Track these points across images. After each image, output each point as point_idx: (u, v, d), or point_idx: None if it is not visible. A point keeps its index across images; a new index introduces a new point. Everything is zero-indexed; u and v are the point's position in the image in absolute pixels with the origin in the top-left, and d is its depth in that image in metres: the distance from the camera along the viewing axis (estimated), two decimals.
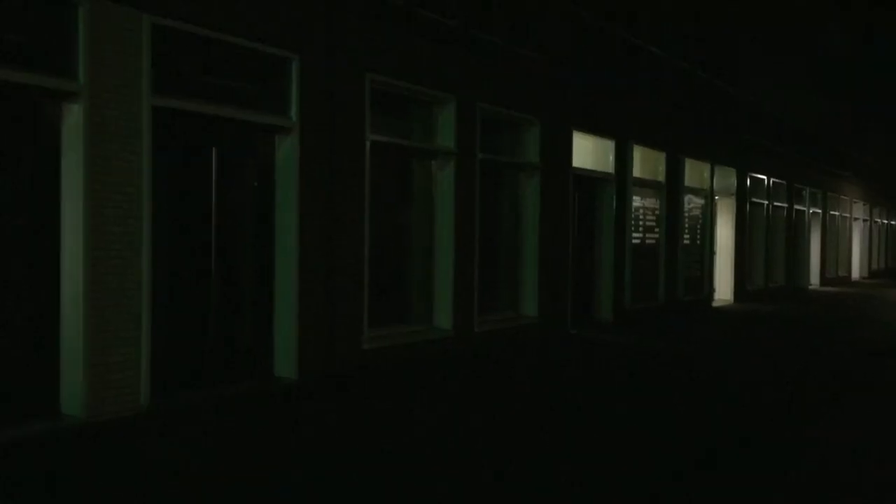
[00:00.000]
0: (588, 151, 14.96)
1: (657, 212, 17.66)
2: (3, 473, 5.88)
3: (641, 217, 16.97)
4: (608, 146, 15.54)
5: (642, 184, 16.81)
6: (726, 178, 21.45)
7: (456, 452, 6.77)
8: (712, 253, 20.62)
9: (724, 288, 21.60)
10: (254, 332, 9.20)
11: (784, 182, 25.87)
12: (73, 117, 7.10)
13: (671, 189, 18.01)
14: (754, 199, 23.35)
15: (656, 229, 17.65)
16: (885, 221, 43.06)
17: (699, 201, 19.82)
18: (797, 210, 27.38)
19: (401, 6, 10.37)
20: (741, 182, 22.19)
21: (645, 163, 16.95)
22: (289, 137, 9.12)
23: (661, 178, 17.72)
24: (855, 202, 35.57)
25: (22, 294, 7.19)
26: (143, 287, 7.52)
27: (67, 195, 7.14)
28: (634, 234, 16.58)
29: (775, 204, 25.23)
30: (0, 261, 7.04)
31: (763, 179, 24.10)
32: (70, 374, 7.13)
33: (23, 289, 7.20)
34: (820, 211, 30.05)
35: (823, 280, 30.16)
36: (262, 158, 9.20)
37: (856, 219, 36.06)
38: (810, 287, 28.63)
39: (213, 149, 8.69)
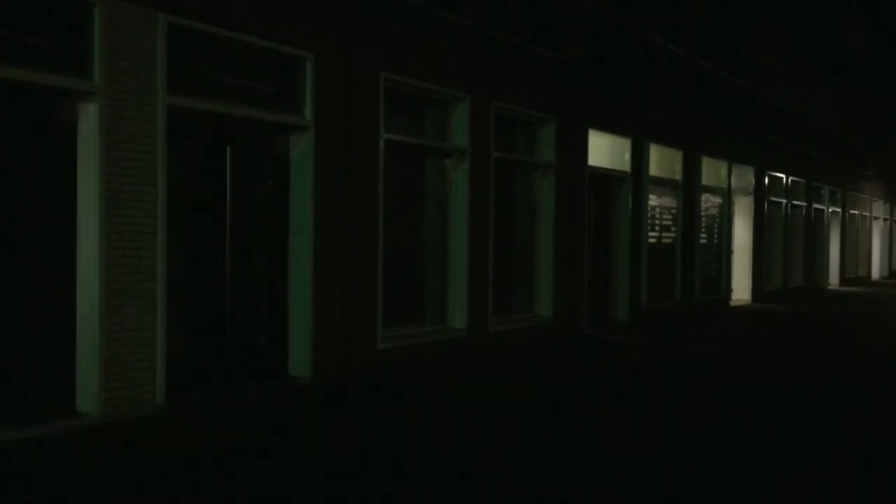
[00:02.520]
0: (604, 150, 14.90)
1: (674, 211, 17.57)
2: (13, 472, 5.91)
3: (658, 216, 16.89)
4: (624, 144, 15.48)
5: (659, 182, 16.72)
6: (744, 176, 21.32)
7: (478, 455, 6.75)
8: (730, 252, 20.49)
9: (741, 288, 21.48)
10: (269, 332, 9.22)
11: (803, 181, 25.68)
12: (89, 117, 7.12)
13: (688, 188, 17.92)
14: (772, 198, 23.19)
15: (673, 228, 17.55)
16: None
17: (716, 200, 19.70)
18: (816, 209, 27.17)
19: (415, 5, 10.36)
20: (759, 181, 22.04)
21: (661, 161, 16.86)
22: (304, 136, 9.13)
23: (678, 176, 17.62)
24: (875, 201, 35.27)
25: (39, 293, 7.24)
26: (158, 286, 7.55)
27: (83, 195, 7.17)
28: (651, 234, 16.50)
29: (794, 203, 25.04)
30: (17, 260, 7.09)
31: (781, 178, 23.93)
32: (86, 373, 7.16)
33: (39, 288, 7.24)
34: (839, 210, 29.81)
35: (842, 280, 29.92)
36: (277, 157, 9.22)
37: (876, 218, 35.76)
38: (829, 287, 28.41)
39: (228, 148, 8.72)
